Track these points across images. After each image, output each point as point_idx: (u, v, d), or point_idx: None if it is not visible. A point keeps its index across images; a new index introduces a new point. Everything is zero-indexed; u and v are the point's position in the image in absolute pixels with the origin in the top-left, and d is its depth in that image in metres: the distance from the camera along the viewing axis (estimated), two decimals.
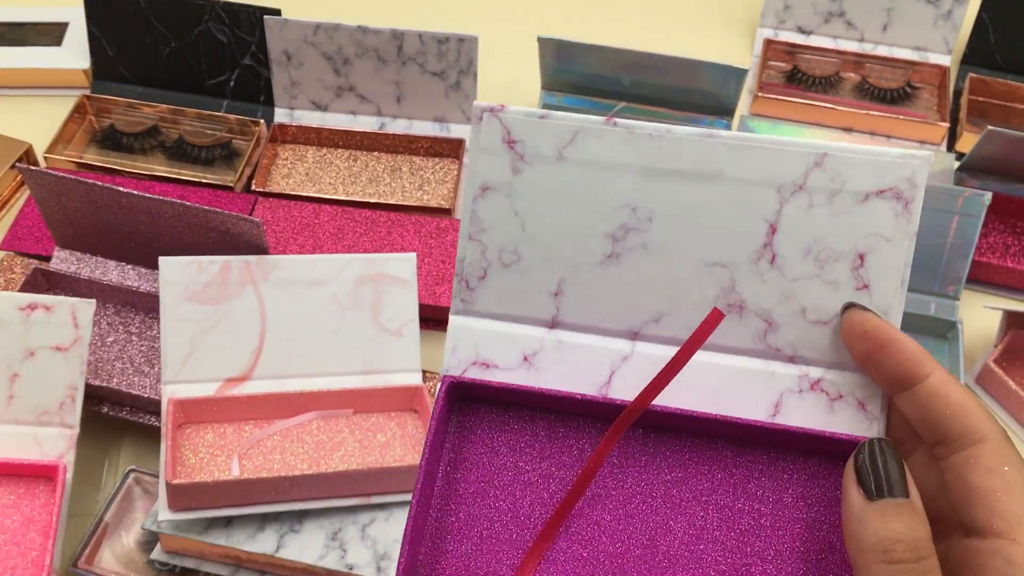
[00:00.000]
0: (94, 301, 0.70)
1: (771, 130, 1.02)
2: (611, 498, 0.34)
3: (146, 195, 0.75)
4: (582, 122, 0.35)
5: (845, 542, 0.30)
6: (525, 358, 0.35)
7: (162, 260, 0.71)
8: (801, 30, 1.11)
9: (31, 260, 0.87)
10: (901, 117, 1.02)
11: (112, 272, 0.84)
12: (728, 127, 1.01)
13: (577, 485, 0.33)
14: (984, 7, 1.06)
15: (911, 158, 0.33)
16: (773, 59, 1.10)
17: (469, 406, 0.36)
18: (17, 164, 0.82)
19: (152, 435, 0.76)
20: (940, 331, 0.87)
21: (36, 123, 1.00)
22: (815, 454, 0.34)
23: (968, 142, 1.01)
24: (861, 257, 0.33)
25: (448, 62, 0.95)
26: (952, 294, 0.87)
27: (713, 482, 0.34)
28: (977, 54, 1.09)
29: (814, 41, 1.10)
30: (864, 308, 0.33)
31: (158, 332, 0.81)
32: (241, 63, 1.00)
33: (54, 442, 0.69)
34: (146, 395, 0.74)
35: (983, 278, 0.92)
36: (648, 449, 0.35)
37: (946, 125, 1.01)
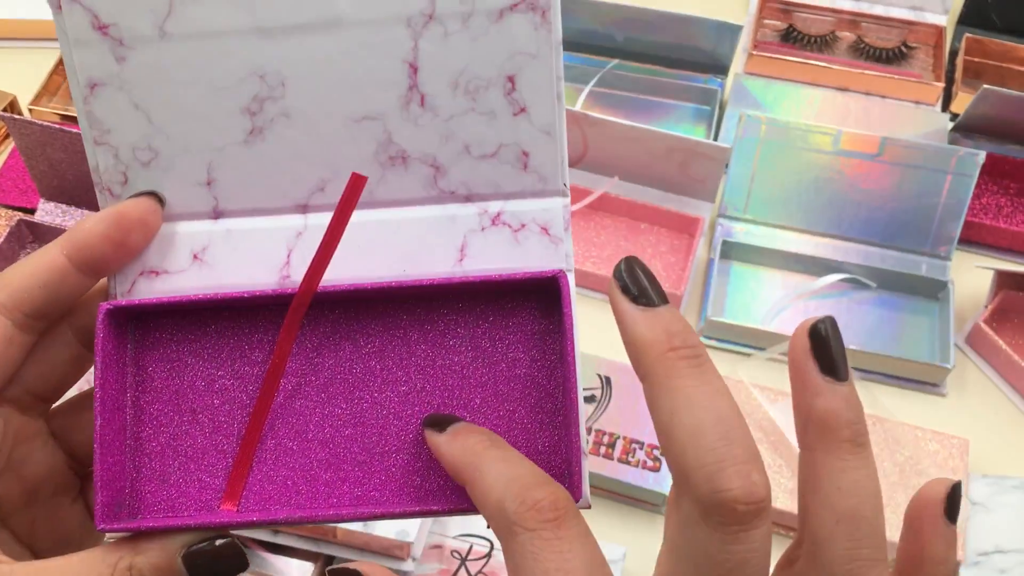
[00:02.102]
0: None
1: (765, 89, 1.01)
2: (311, 385, 0.33)
3: None
4: None
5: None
6: (195, 256, 0.33)
7: None
8: None
9: (15, 212, 0.86)
10: (896, 77, 1.02)
11: None
12: (723, 86, 1.00)
13: (266, 383, 0.32)
14: None
15: None
16: (768, 17, 1.09)
17: (146, 322, 0.33)
18: (1, 114, 0.81)
19: None
20: (931, 291, 0.86)
21: (21, 75, 0.99)
22: (503, 294, 0.33)
23: (963, 103, 1.00)
24: (511, 80, 0.32)
25: None
26: (944, 254, 0.87)
27: (411, 345, 0.33)
28: (974, 14, 1.08)
29: None
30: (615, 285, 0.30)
31: None
32: None
33: None
34: None
35: (975, 239, 0.92)
36: (340, 328, 0.33)
37: (941, 85, 1.01)
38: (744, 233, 0.89)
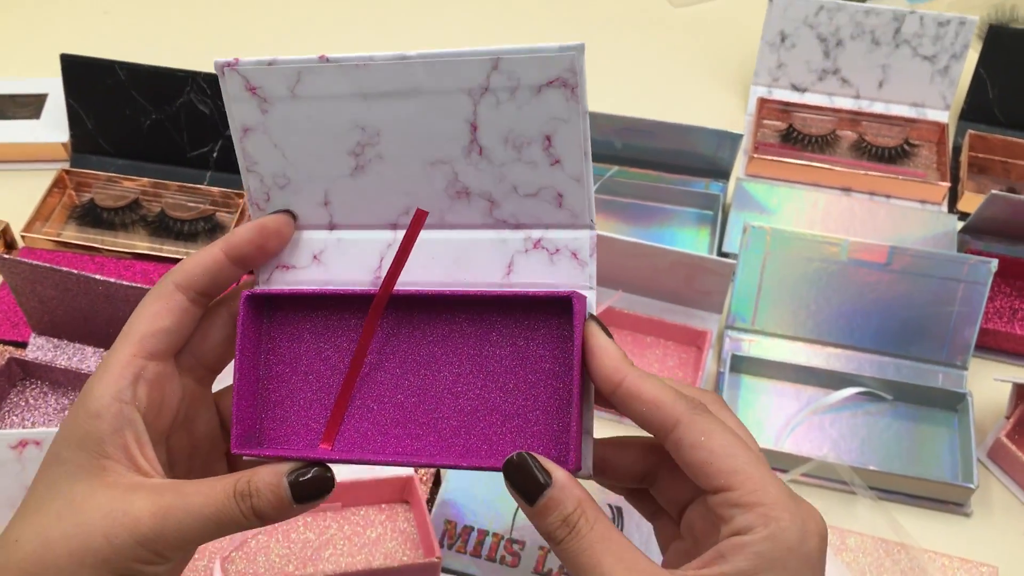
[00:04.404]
0: None
1: (768, 193, 0.99)
2: (389, 362, 0.43)
3: (122, 282, 0.72)
4: (301, 63, 0.41)
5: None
6: (314, 257, 0.44)
7: None
8: (795, 87, 1.09)
9: (6, 347, 0.84)
10: (900, 177, 1.00)
11: (90, 359, 0.81)
12: (724, 190, 0.99)
13: (355, 357, 0.42)
14: (982, 62, 1.05)
15: (568, 50, 0.38)
16: (767, 117, 1.08)
17: (275, 305, 0.44)
18: None
19: None
20: (949, 403, 0.84)
21: (14, 199, 0.98)
22: (538, 305, 0.42)
23: (970, 201, 0.99)
24: (548, 138, 0.40)
25: None
26: (960, 364, 0.84)
27: (465, 337, 0.42)
28: (975, 110, 1.07)
29: (808, 99, 1.08)
30: (591, 320, 0.40)
31: None
32: (224, 134, 0.97)
33: None
34: None
35: (990, 345, 0.89)
36: (414, 320, 0.43)
37: (947, 185, 0.99)
38: (753, 345, 0.87)
